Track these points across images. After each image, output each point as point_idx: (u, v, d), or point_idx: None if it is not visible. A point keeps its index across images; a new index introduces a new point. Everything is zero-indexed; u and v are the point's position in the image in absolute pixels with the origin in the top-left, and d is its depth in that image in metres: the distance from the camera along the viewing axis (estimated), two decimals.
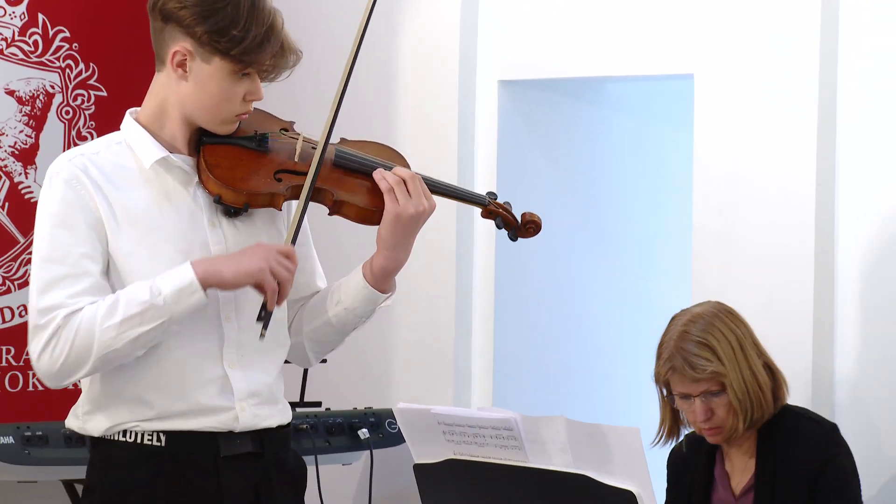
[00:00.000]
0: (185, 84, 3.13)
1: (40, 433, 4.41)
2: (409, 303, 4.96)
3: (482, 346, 4.95)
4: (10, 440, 4.39)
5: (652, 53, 4.61)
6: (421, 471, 3.91)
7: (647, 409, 5.03)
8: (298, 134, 3.26)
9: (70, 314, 3.04)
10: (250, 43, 3.09)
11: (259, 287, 3.08)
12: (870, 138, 4.18)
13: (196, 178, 3.18)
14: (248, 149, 3.21)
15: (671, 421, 3.89)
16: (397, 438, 4.71)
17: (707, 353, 3.75)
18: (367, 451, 4.80)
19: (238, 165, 3.18)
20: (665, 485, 4.03)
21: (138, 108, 3.22)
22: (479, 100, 4.96)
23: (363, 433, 4.78)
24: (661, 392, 3.87)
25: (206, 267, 3.06)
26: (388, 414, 4.79)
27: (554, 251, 4.99)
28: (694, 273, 4.46)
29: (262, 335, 3.12)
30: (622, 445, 3.56)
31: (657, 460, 4.20)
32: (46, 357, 3.06)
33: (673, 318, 3.87)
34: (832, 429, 3.81)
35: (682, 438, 3.96)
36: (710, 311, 3.81)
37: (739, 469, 3.88)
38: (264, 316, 3.11)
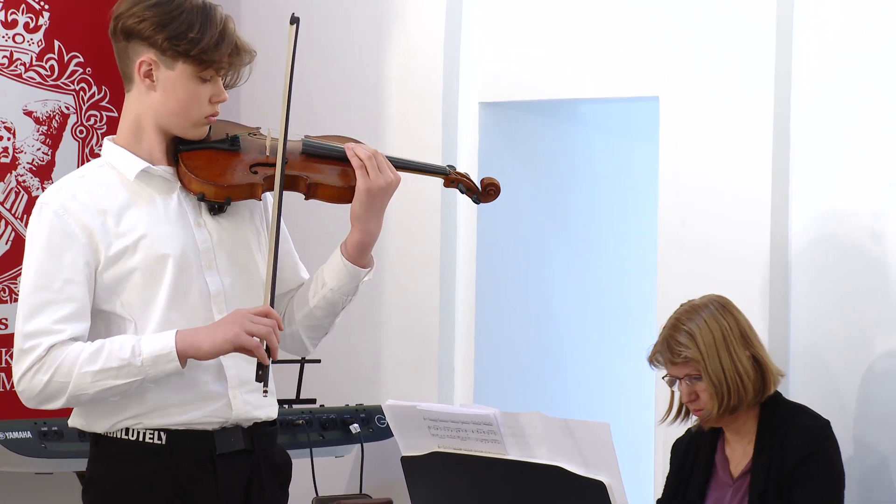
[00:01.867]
0: (154, 94, 3.13)
1: (55, 428, 4.39)
2: (396, 308, 4.95)
3: (464, 348, 4.94)
4: (28, 435, 4.38)
5: (621, 77, 4.61)
6: (408, 463, 3.90)
7: (618, 403, 5.04)
8: (265, 134, 3.27)
9: (55, 346, 3.02)
10: (207, 42, 3.09)
11: (242, 350, 3.06)
12: (818, 153, 4.19)
13: (178, 185, 3.17)
14: (222, 150, 3.20)
15: (679, 403, 3.90)
16: (386, 433, 4.69)
17: (687, 340, 3.78)
18: (359, 445, 4.79)
19: (216, 164, 3.18)
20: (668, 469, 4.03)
21: (114, 135, 3.21)
22: (461, 120, 4.95)
23: (354, 428, 4.77)
24: (664, 375, 3.88)
25: (187, 338, 3.05)
26: (378, 410, 4.78)
27: (532, 257, 4.99)
28: (659, 274, 4.47)
29: (264, 393, 3.13)
30: (594, 439, 3.54)
31: (643, 454, 4.21)
32: (27, 381, 3.05)
33: (679, 307, 3.89)
34: (825, 424, 3.81)
35: (687, 429, 3.95)
36: (703, 303, 3.85)
37: (739, 454, 3.88)
38: (262, 374, 3.09)
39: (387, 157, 3.26)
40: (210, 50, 3.08)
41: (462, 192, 3.41)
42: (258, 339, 3.05)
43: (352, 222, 3.23)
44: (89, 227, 3.08)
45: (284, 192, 3.17)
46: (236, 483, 3.15)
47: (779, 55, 4.21)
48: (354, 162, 3.21)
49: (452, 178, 3.39)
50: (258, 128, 3.29)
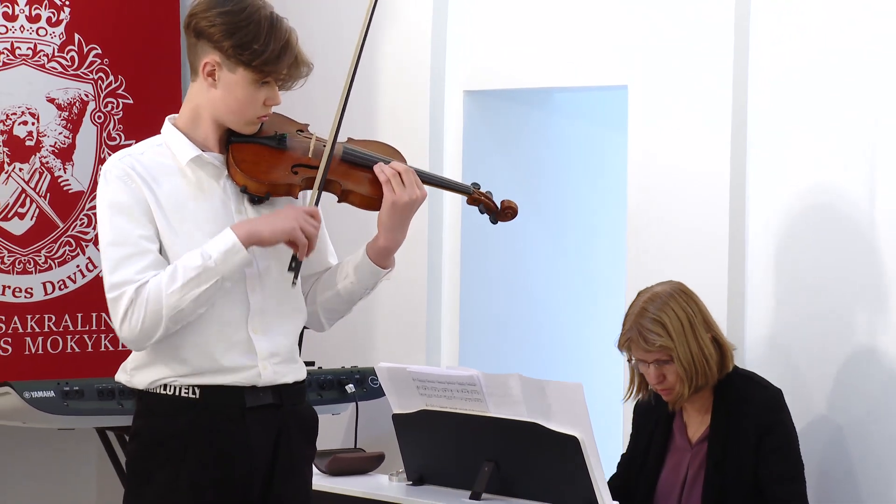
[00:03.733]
0: (215, 91, 3.13)
1: (77, 388, 4.40)
2: (389, 281, 4.96)
3: (450, 316, 4.94)
4: (52, 394, 4.38)
5: (592, 68, 4.61)
6: (398, 419, 3.92)
7: (589, 366, 5.05)
8: (312, 134, 3.26)
9: (139, 287, 3.04)
10: (269, 55, 3.09)
11: (290, 243, 3.11)
12: (774, 142, 4.18)
13: (226, 172, 3.18)
14: (269, 147, 3.20)
15: (639, 380, 3.87)
16: (378, 392, 4.70)
17: (658, 329, 3.75)
18: (353, 403, 4.80)
19: (261, 160, 3.18)
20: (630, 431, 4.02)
21: (176, 115, 3.21)
22: (447, 107, 4.95)
23: (350, 388, 4.77)
24: (626, 357, 3.85)
25: (246, 229, 3.08)
26: (371, 372, 4.77)
27: (510, 235, 4.98)
28: (628, 253, 4.46)
29: (293, 283, 3.15)
30: (568, 398, 3.57)
31: (612, 414, 4.22)
32: (126, 326, 3.06)
33: (638, 294, 3.86)
34: (777, 393, 3.81)
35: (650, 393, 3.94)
36: (668, 292, 3.81)
37: (696, 422, 3.86)
38: (295, 266, 3.13)
39: (418, 171, 3.26)
40: (270, 62, 3.08)
41: (481, 213, 3.40)
42: (306, 239, 3.10)
43: (378, 228, 3.24)
44: (146, 196, 3.10)
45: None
46: (265, 435, 3.16)
47: (737, 49, 4.21)
48: (381, 178, 3.20)
49: (475, 197, 3.38)
50: (307, 125, 3.29)
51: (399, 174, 3.21)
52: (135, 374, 3.17)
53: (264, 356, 3.16)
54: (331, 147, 3.17)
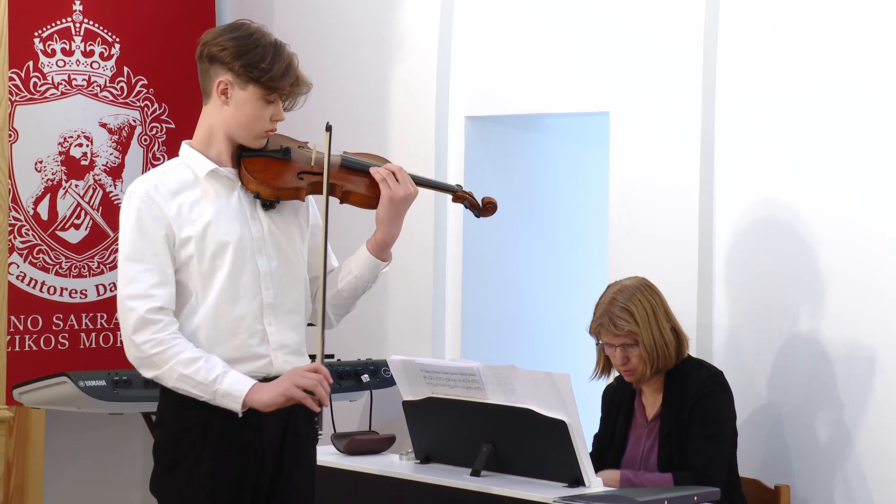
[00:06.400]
0: (227, 108, 3.14)
1: (126, 377, 4.40)
2: (398, 283, 4.95)
3: (453, 313, 4.93)
4: (103, 383, 4.39)
5: (578, 96, 4.61)
6: (408, 406, 3.92)
7: (574, 357, 5.04)
8: (312, 148, 3.29)
9: (171, 337, 3.05)
10: (275, 73, 3.10)
11: (293, 401, 3.10)
12: (736, 161, 4.20)
13: (239, 183, 3.18)
14: (276, 158, 3.22)
15: (604, 363, 3.91)
16: (390, 382, 4.70)
17: (627, 316, 3.77)
18: (368, 391, 4.80)
19: (270, 170, 3.19)
20: (600, 414, 4.04)
21: (191, 140, 3.23)
22: (450, 130, 4.95)
23: (365, 378, 4.76)
24: (595, 341, 3.87)
25: (255, 394, 3.06)
26: (384, 364, 4.77)
27: (505, 242, 4.99)
28: (610, 257, 4.46)
29: (318, 436, 3.19)
30: (557, 387, 3.57)
31: (594, 399, 4.21)
32: (133, 348, 3.08)
33: (608, 287, 3.89)
34: (717, 373, 3.83)
35: (612, 379, 3.95)
36: (635, 285, 3.84)
37: (651, 402, 3.89)
38: (316, 420, 3.16)
39: (409, 174, 3.27)
40: (277, 79, 3.10)
41: (466, 208, 3.42)
42: (304, 393, 3.08)
43: (376, 224, 3.25)
44: (168, 213, 3.10)
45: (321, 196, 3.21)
46: (276, 421, 3.16)
47: (705, 81, 4.22)
48: (377, 177, 3.22)
49: (459, 195, 3.41)
50: (306, 142, 3.30)
51: (393, 173, 3.23)
52: None
53: (275, 347, 3.17)
54: (327, 156, 3.19)
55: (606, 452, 3.93)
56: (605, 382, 4.01)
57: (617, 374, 3.91)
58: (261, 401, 3.07)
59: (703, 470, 3.69)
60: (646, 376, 3.80)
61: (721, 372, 3.84)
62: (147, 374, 3.10)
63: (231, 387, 3.05)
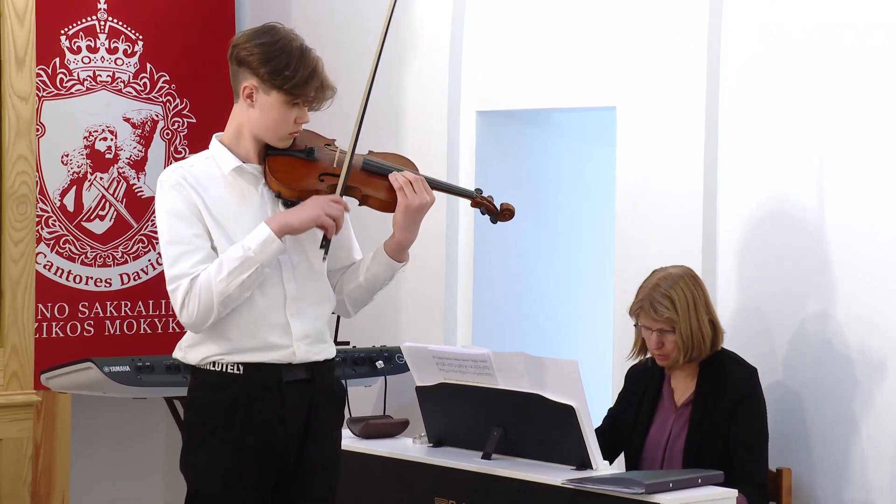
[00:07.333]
0: (253, 111, 3.12)
1: (149, 363, 4.40)
2: (412, 272, 4.92)
3: (464, 302, 4.93)
4: (127, 368, 4.38)
5: (586, 92, 4.60)
6: (421, 391, 3.91)
7: (582, 343, 5.03)
8: (336, 147, 3.26)
9: (192, 279, 3.04)
10: (298, 80, 3.08)
11: (320, 226, 3.11)
12: (740, 156, 4.17)
13: (263, 181, 3.18)
14: (300, 158, 3.20)
15: (641, 343, 3.88)
16: (404, 368, 4.69)
17: (667, 303, 3.75)
18: (383, 377, 4.78)
19: (293, 170, 3.17)
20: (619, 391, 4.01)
21: (221, 133, 3.21)
22: (462, 125, 4.94)
23: (379, 364, 4.75)
24: (634, 322, 3.84)
25: (278, 221, 3.08)
26: (398, 350, 4.77)
27: (515, 235, 4.98)
28: (616, 249, 4.45)
29: (324, 258, 3.15)
30: (565, 373, 3.55)
31: (599, 384, 4.20)
32: (185, 313, 3.07)
33: (653, 272, 3.85)
34: (754, 372, 3.81)
35: (640, 360, 3.93)
36: (679, 273, 3.81)
37: (682, 388, 3.86)
38: (325, 244, 3.13)
39: (428, 178, 3.24)
40: (300, 86, 3.08)
41: (482, 214, 3.38)
42: (332, 220, 3.10)
43: (393, 228, 3.23)
44: (195, 201, 3.09)
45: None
46: (300, 406, 3.16)
47: (709, 77, 4.21)
48: (395, 185, 3.19)
49: (478, 201, 3.37)
50: (333, 139, 3.28)
51: (410, 182, 3.20)
52: (188, 351, 3.17)
53: (298, 337, 3.15)
54: (349, 159, 3.16)
55: (629, 433, 3.90)
56: (630, 363, 3.98)
57: (650, 355, 3.89)
58: (291, 224, 3.08)
59: (761, 481, 3.70)
60: (678, 363, 3.78)
61: (756, 370, 3.81)
62: (212, 317, 3.05)
63: (257, 239, 3.04)
